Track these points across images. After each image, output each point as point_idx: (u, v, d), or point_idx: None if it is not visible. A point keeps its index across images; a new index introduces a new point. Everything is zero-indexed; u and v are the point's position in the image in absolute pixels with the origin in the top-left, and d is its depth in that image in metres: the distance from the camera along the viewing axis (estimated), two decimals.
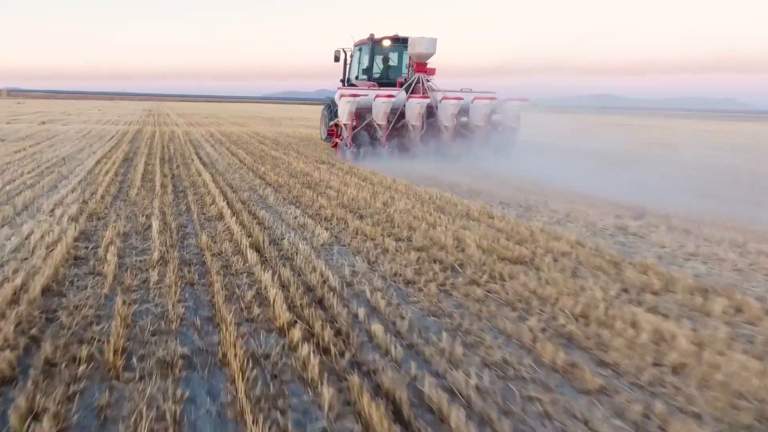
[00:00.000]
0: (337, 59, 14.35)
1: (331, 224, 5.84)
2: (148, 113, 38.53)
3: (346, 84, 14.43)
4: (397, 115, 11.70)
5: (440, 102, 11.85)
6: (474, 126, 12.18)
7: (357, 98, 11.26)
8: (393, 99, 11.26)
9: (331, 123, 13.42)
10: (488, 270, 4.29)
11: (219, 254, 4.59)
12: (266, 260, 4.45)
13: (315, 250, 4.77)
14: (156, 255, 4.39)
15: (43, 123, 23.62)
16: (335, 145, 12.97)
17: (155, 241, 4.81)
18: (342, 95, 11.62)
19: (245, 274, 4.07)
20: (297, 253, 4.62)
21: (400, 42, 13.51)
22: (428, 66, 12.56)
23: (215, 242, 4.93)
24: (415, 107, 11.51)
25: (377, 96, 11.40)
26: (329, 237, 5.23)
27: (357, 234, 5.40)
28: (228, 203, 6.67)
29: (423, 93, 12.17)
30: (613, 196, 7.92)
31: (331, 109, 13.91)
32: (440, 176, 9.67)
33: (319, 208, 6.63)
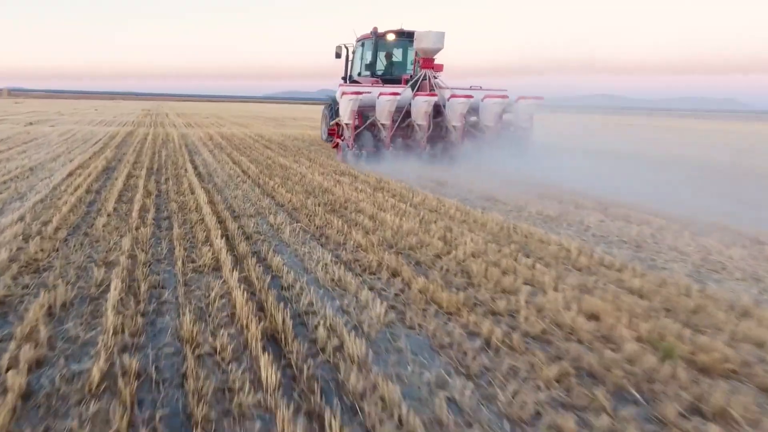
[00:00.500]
0: (338, 56, 13.52)
1: (380, 280, 3.92)
2: (146, 113, 36.71)
3: (348, 81, 13.45)
4: (403, 114, 10.80)
5: (448, 100, 10.87)
6: (484, 126, 11.18)
7: (359, 96, 10.33)
8: (398, 97, 10.38)
9: (332, 122, 12.40)
10: (694, 400, 2.38)
11: (210, 355, 2.69)
12: (294, 377, 2.53)
13: (371, 345, 2.86)
14: (98, 368, 2.48)
15: (30, 124, 21.79)
16: (336, 146, 11.90)
17: (107, 329, 2.90)
18: (344, 93, 10.56)
19: (259, 422, 2.16)
20: (342, 354, 2.72)
21: (405, 36, 12.50)
22: (435, 62, 11.53)
23: (206, 324, 3.02)
24: (421, 106, 10.52)
25: (381, 94, 10.47)
26: (386, 311, 3.31)
27: (427, 304, 3.48)
28: (228, 240, 4.77)
29: (430, 90, 11.17)
30: (737, 224, 5.99)
31: (332, 108, 12.92)
32: (490, 191, 7.76)
33: (356, 248, 4.72)
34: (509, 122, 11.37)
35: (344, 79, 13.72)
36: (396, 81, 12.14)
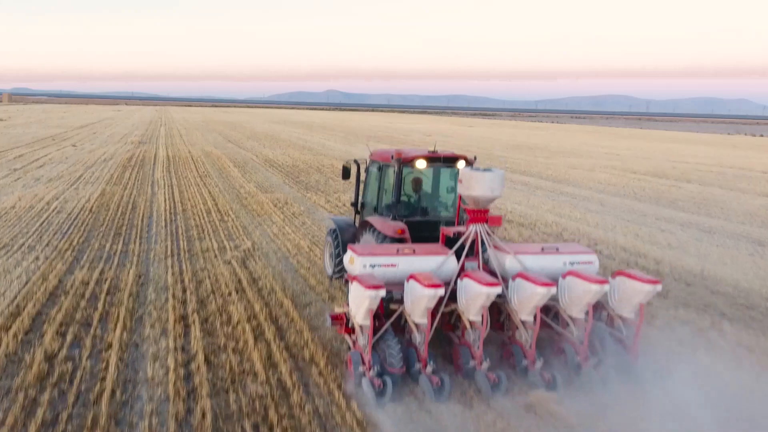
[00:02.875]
0: (346, 176, 10.50)
1: None
2: (133, 151, 29.45)
3: (358, 210, 10.34)
4: (445, 301, 7.04)
5: (513, 281, 7.10)
6: (567, 318, 7.25)
7: (380, 292, 6.52)
8: (440, 291, 6.54)
9: (338, 311, 8.24)
10: None
11: None
12: None
13: None
14: None
15: None
16: (345, 333, 7.81)
17: None
18: (359, 281, 6.77)
19: None
20: None
21: (441, 162, 9.16)
22: (490, 213, 7.69)
23: None
24: (477, 298, 6.74)
25: (414, 279, 6.75)
26: None
27: None
28: None
29: (480, 257, 7.61)
30: None
31: (338, 238, 10.02)
32: None
33: None
34: (602, 312, 7.64)
35: (354, 206, 10.53)
36: (429, 225, 8.89)
